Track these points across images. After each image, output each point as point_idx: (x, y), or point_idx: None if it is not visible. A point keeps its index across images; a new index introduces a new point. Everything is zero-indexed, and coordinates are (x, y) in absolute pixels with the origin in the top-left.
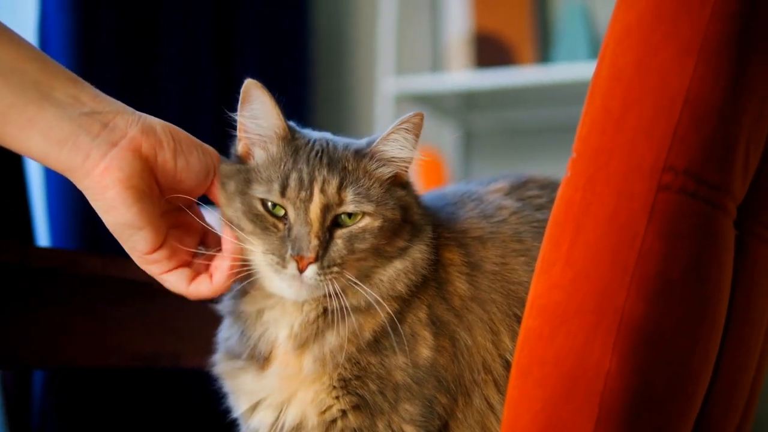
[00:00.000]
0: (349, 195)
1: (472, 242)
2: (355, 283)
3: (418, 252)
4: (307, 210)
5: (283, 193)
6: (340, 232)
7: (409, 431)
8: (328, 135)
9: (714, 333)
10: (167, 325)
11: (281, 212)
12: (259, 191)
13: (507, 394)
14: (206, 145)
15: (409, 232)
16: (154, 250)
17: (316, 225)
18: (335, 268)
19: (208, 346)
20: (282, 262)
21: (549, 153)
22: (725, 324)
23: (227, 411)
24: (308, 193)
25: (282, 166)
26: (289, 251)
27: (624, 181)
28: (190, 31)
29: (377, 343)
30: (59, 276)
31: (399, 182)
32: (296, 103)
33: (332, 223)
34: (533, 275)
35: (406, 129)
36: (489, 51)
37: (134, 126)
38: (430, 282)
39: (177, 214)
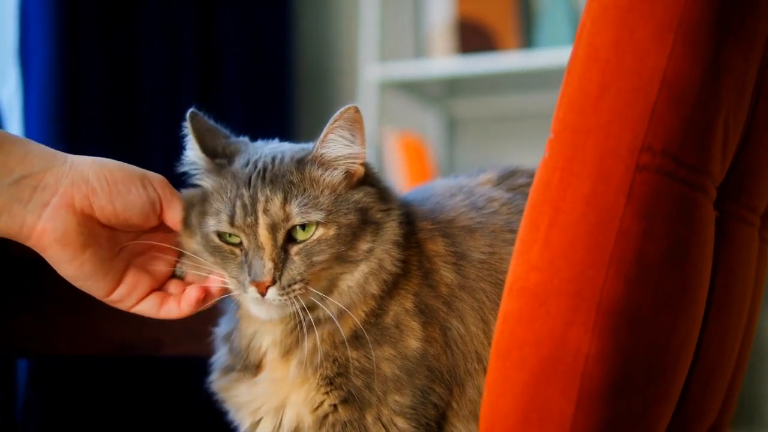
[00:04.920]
0: (294, 208)
1: (459, 232)
2: (322, 297)
3: (383, 252)
4: (256, 234)
5: (231, 222)
6: (296, 248)
7: (400, 423)
8: (280, 147)
9: (694, 314)
10: None
11: (237, 239)
12: (211, 225)
13: (487, 376)
14: (149, 176)
15: (371, 232)
16: (111, 293)
17: (268, 247)
18: (296, 286)
19: (188, 334)
20: (243, 288)
21: (533, 138)
22: (706, 305)
23: (208, 397)
24: (253, 217)
25: (227, 194)
26: (247, 277)
27: (602, 161)
28: (170, 29)
29: (357, 339)
30: (40, 264)
31: (355, 182)
32: (279, 91)
33: (287, 239)
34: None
35: (341, 126)
36: (472, 37)
37: (65, 179)
38: (416, 272)
39: (144, 239)
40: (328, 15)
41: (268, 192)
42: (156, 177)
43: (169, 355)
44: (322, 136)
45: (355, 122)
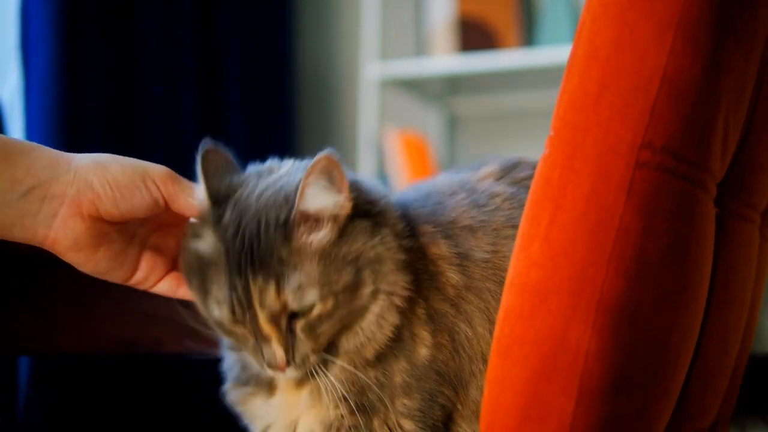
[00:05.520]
0: (289, 295)
1: (461, 232)
2: (336, 347)
3: (389, 285)
4: (258, 327)
5: (233, 317)
6: (300, 324)
7: (407, 425)
8: (269, 191)
9: (695, 311)
10: (148, 311)
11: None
12: (215, 313)
13: (487, 374)
14: (150, 173)
15: (371, 273)
16: (129, 278)
17: (274, 336)
18: (311, 358)
19: (188, 333)
20: (261, 366)
21: (534, 136)
22: (707, 303)
23: (209, 396)
24: (252, 312)
25: (222, 278)
26: (263, 362)
27: (602, 158)
28: (170, 26)
29: (377, 359)
30: (39, 261)
31: (343, 222)
32: (280, 89)
33: (290, 318)
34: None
35: (317, 177)
36: (473, 35)
37: (70, 188)
38: (423, 276)
39: (155, 217)
40: (328, 13)
41: (261, 281)
42: (158, 173)
43: (169, 353)
44: (300, 190)
45: (332, 170)
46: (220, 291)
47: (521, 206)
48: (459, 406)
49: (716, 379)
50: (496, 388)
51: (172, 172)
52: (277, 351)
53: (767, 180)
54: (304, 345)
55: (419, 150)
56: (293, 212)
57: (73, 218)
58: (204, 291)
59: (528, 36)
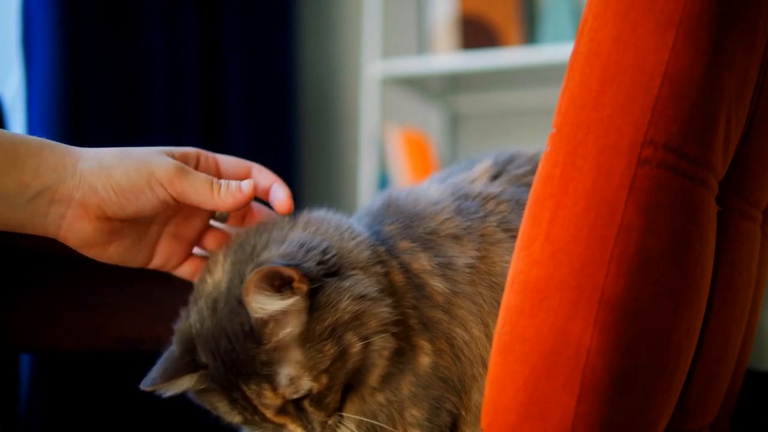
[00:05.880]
0: (285, 390)
1: (444, 241)
2: (348, 416)
3: (374, 328)
4: (269, 421)
5: (245, 422)
6: (306, 402)
7: None
8: (213, 295)
9: (696, 309)
10: (149, 309)
11: None
12: (230, 421)
13: (489, 371)
14: (156, 175)
15: (354, 331)
16: (147, 265)
17: (287, 422)
18: (329, 421)
19: None
20: None
21: (536, 134)
22: (709, 301)
23: None
24: (259, 413)
25: (224, 398)
26: None
27: (603, 155)
28: (172, 21)
29: (384, 379)
30: (41, 257)
31: (306, 302)
32: (281, 87)
33: (295, 401)
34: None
35: (256, 291)
36: (475, 33)
37: (76, 193)
38: (407, 287)
39: (170, 208)
40: (330, 11)
41: (254, 386)
42: (165, 174)
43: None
44: (247, 305)
45: (270, 276)
46: (226, 408)
47: (519, 207)
48: (463, 412)
49: (718, 376)
50: (497, 386)
51: (181, 169)
52: (296, 431)
53: None
54: (318, 415)
55: (421, 148)
56: (252, 323)
57: (80, 221)
58: (217, 411)
59: (530, 34)
